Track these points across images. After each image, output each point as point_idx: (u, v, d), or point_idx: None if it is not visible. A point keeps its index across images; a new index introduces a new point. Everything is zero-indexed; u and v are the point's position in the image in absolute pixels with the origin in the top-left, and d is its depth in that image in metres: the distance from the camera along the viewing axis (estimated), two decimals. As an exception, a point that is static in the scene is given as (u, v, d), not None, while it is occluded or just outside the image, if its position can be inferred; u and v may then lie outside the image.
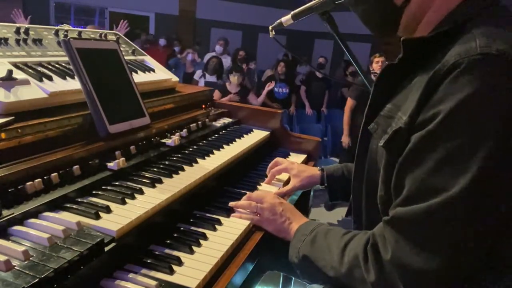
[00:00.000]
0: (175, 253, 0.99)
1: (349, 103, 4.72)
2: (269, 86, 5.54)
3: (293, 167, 1.49)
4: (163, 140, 1.45)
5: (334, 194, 1.47)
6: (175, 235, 1.08)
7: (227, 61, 6.94)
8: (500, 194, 0.74)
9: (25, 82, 1.20)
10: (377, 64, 4.60)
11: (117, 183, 1.14)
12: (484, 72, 0.72)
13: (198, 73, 5.89)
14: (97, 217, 0.94)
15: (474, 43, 0.75)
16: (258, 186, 1.49)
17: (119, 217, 0.96)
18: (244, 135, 1.81)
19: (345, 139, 4.80)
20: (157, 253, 0.99)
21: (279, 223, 1.14)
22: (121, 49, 1.46)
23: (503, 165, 0.72)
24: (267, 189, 1.47)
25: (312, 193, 1.94)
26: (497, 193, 0.73)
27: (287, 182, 1.53)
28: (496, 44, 0.73)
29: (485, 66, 0.72)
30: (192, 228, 1.13)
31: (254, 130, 1.93)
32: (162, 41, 8.14)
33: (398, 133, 0.84)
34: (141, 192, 1.10)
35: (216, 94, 4.64)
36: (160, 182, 1.18)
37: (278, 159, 1.55)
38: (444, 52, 0.80)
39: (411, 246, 0.77)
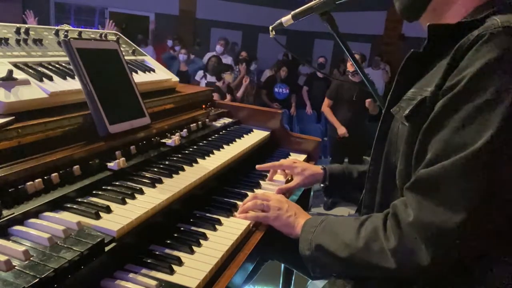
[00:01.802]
0: (175, 253, 0.99)
1: (326, 102, 4.93)
2: (245, 81, 5.60)
3: (296, 165, 1.51)
4: (163, 140, 1.45)
5: (331, 192, 1.50)
6: (175, 235, 1.08)
7: (227, 61, 6.92)
8: None
9: (26, 82, 1.20)
10: (351, 64, 4.67)
11: (117, 183, 1.14)
12: (505, 40, 0.78)
13: (200, 73, 5.85)
14: (97, 217, 0.94)
15: (496, 21, 0.81)
16: (258, 186, 1.49)
17: (119, 217, 0.96)
18: (244, 135, 1.81)
19: (342, 130, 4.80)
20: (157, 253, 0.99)
21: (285, 218, 1.15)
22: (121, 49, 1.46)
23: None
24: (268, 187, 1.48)
25: (312, 193, 1.95)
26: None
27: (288, 181, 1.54)
28: None
29: (506, 35, 0.78)
30: (192, 228, 1.13)
31: (254, 130, 1.93)
32: (169, 42, 8.12)
33: (423, 103, 0.88)
34: (141, 192, 1.10)
35: (214, 96, 4.65)
36: (160, 182, 1.18)
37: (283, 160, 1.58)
38: None
39: (434, 204, 0.79)
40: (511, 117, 0.74)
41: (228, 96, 5.12)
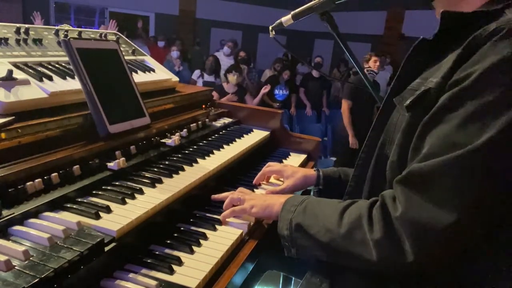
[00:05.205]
0: (175, 253, 0.99)
1: (346, 104, 4.71)
2: (265, 89, 5.55)
3: (286, 169, 1.46)
4: (163, 140, 1.45)
5: (328, 196, 1.45)
6: (175, 235, 1.08)
7: (231, 62, 6.92)
8: None
9: (25, 82, 1.20)
10: (375, 63, 4.62)
11: (117, 183, 1.14)
12: None
13: (196, 73, 5.85)
14: (97, 217, 0.94)
15: None
16: (258, 187, 1.48)
17: (119, 217, 0.96)
18: (244, 135, 1.81)
19: (353, 140, 4.68)
20: (157, 253, 0.99)
21: (261, 202, 1.12)
22: (121, 49, 1.46)
23: None
24: (268, 188, 1.47)
25: (312, 194, 1.94)
26: None
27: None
28: None
29: None
30: (192, 228, 1.13)
31: (254, 130, 1.93)
32: (160, 43, 8.11)
33: (426, 93, 0.84)
34: (141, 192, 1.10)
35: (214, 95, 4.63)
36: (160, 182, 1.18)
37: (270, 163, 1.53)
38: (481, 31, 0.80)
39: (423, 200, 0.76)
40: None
41: (231, 97, 5.04)
